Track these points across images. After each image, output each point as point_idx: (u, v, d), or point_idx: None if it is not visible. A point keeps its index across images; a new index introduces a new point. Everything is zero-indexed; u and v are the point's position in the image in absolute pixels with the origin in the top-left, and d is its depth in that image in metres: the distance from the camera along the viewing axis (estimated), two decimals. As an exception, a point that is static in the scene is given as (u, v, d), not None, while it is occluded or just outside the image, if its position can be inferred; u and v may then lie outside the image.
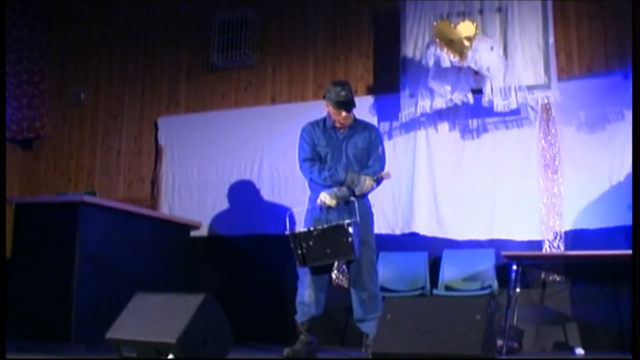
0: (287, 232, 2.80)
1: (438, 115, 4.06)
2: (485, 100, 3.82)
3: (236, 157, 4.50)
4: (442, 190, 4.01)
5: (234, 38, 4.49)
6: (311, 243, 2.72)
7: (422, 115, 3.99)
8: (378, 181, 3.02)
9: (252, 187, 4.43)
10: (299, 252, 2.74)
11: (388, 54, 4.27)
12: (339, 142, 3.01)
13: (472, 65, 3.75)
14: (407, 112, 3.97)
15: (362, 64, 4.38)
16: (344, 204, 2.93)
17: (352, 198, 2.85)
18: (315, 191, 3.00)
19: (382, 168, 3.06)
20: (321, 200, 2.89)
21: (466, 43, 3.71)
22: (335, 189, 2.93)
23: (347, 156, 2.99)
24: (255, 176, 4.43)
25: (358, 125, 3.05)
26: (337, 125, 3.01)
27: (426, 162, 4.06)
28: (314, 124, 3.06)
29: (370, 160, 3.05)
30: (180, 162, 4.65)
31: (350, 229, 2.73)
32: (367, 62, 4.35)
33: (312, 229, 2.80)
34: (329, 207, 2.91)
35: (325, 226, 2.79)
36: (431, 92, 3.90)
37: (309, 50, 4.53)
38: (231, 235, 4.40)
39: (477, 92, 3.84)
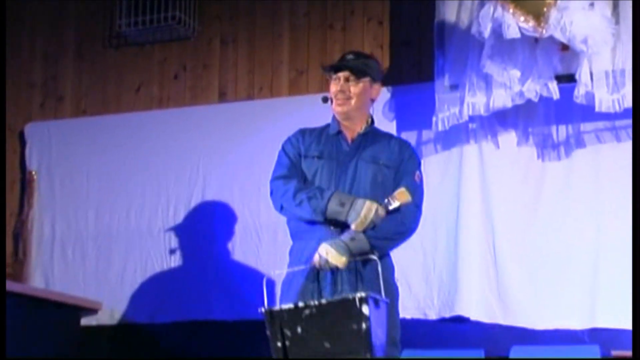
0: (262, 309, 2.67)
1: (499, 120, 3.89)
2: (580, 93, 3.58)
3: (161, 189, 4.39)
4: (506, 246, 3.86)
5: (156, -9, 4.49)
6: (299, 329, 2.64)
7: (471, 119, 3.82)
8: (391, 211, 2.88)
9: (190, 239, 4.32)
10: (279, 343, 2.63)
11: (414, 19, 4.18)
12: (343, 153, 2.97)
13: (558, 36, 3.51)
14: (446, 114, 3.81)
15: (372, 35, 4.26)
16: (354, 266, 2.84)
17: (373, 256, 2.77)
18: (301, 238, 2.93)
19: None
20: (320, 258, 2.79)
21: None
22: (346, 236, 2.81)
23: (356, 177, 2.93)
24: (193, 220, 4.31)
25: (379, 135, 3.04)
26: (340, 118, 2.96)
27: (479, 197, 3.90)
28: (307, 131, 3.06)
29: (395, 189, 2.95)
30: (65, 199, 4.54)
31: (366, 309, 2.51)
32: (379, 31, 4.24)
33: (301, 304, 2.65)
34: (333, 269, 2.82)
35: (323, 301, 2.65)
36: (487, 82, 3.72)
37: (283, 13, 4.40)
38: (154, 323, 4.27)
39: (566, 80, 3.65)
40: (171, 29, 4.44)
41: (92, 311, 4.25)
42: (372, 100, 3.03)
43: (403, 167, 2.97)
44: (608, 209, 3.75)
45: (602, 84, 3.55)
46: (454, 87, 3.79)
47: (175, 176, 4.33)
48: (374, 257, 2.76)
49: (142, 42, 4.55)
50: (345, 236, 2.82)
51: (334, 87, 2.95)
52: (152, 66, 4.56)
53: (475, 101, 3.71)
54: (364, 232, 2.82)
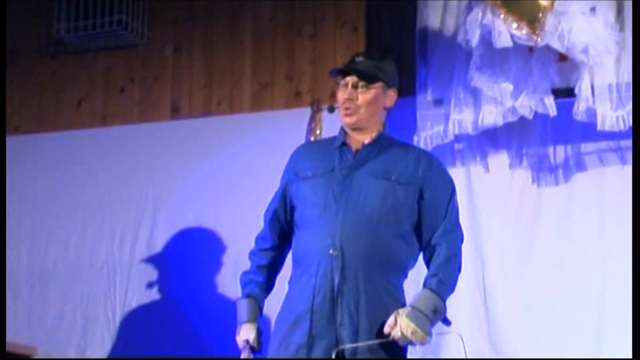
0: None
1: (489, 140, 3.83)
2: (580, 109, 3.51)
3: (105, 218, 4.33)
4: (498, 282, 3.77)
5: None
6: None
7: (458, 139, 3.76)
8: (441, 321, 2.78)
9: (138, 275, 4.22)
10: None
11: (393, 25, 4.13)
12: (345, 167, 2.85)
13: (555, 44, 3.46)
14: (429, 133, 3.74)
15: (346, 43, 4.21)
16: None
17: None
18: (299, 264, 2.82)
19: (459, 256, 2.89)
20: (402, 336, 2.66)
21: (542, 1, 3.49)
22: (425, 304, 2.70)
23: (361, 195, 2.78)
24: (142, 253, 4.24)
25: (392, 143, 2.92)
26: (348, 129, 2.88)
27: (467, 227, 3.50)
28: (307, 146, 3.12)
29: (428, 225, 2.83)
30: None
31: None
32: (354, 38, 4.19)
33: None
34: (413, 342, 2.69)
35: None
36: (475, 96, 3.67)
37: (245, 18, 4.35)
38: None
39: (565, 94, 3.60)
40: (117, 35, 4.36)
41: (25, 358, 3.99)
42: (387, 109, 2.92)
43: (429, 184, 2.81)
44: (614, 239, 3.65)
45: (605, 98, 3.48)
46: (438, 102, 3.74)
47: (121, 203, 4.27)
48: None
49: (83, 50, 4.48)
50: (425, 305, 2.67)
51: (341, 95, 2.85)
52: (95, 78, 4.50)
53: (462, 118, 3.65)
54: (435, 290, 2.71)
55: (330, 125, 3.46)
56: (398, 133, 3.65)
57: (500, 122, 3.59)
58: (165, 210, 4.22)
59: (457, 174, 3.69)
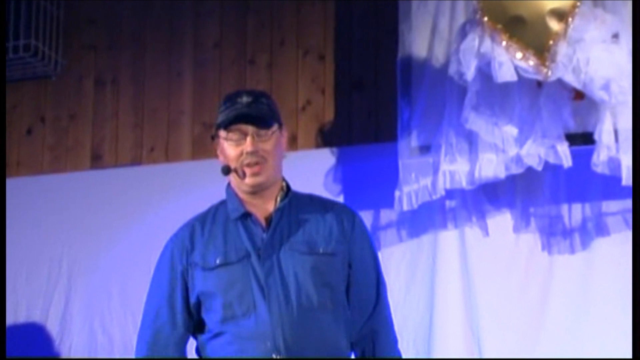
0: None
1: (488, 197, 3.82)
2: (600, 160, 3.46)
3: (9, 290, 4.31)
4: None
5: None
6: None
7: (449, 195, 3.73)
8: None
9: None
10: None
11: (369, 53, 4.15)
12: (260, 247, 2.88)
13: (569, 79, 3.40)
14: (413, 187, 3.73)
15: (310, 74, 4.24)
16: None
17: None
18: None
19: (388, 315, 2.98)
20: None
21: (552, 25, 3.44)
22: None
23: (288, 278, 2.84)
24: (52, 334, 4.24)
25: (302, 203, 2.98)
26: (246, 193, 2.91)
27: (461, 305, 3.80)
28: (194, 224, 3.01)
29: (357, 303, 2.90)
30: None
31: None
32: (320, 69, 4.22)
33: None
34: None
35: None
36: (471, 142, 3.64)
37: (184, 43, 4.37)
38: None
39: (581, 141, 3.56)
40: (24, 64, 4.32)
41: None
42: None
43: (355, 250, 2.87)
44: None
45: (630, 146, 3.39)
46: (425, 149, 3.70)
47: (27, 272, 4.24)
48: None
49: (-20, 81, 4.27)
50: None
51: (236, 149, 2.80)
52: (-6, 115, 4.30)
53: (455, 169, 3.60)
54: None
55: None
56: (375, 187, 3.90)
57: (502, 175, 3.53)
58: (83, 282, 4.17)
59: (448, 238, 3.77)
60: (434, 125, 3.66)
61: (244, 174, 2.78)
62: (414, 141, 3.70)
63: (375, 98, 4.00)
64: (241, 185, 2.81)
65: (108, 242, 4.14)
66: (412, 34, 3.77)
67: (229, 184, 2.89)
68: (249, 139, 2.78)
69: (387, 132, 3.83)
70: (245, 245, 2.81)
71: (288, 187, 2.93)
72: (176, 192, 3.98)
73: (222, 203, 2.92)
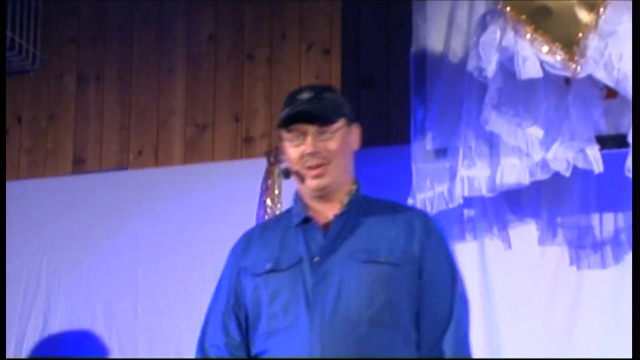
0: None
1: (510, 205, 3.82)
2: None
3: None
4: None
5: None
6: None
7: (467, 203, 3.75)
8: None
9: None
10: None
11: (379, 47, 4.16)
12: (315, 254, 2.80)
13: (601, 75, 3.41)
14: (428, 194, 3.75)
15: (314, 70, 4.26)
16: None
17: None
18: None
19: (467, 342, 2.85)
20: None
21: (582, 16, 3.46)
22: None
23: (342, 290, 2.76)
24: (33, 352, 4.24)
25: (370, 206, 2.90)
26: (311, 197, 2.85)
27: (481, 321, 3.73)
28: (263, 224, 3.16)
29: (428, 319, 2.82)
30: None
31: None
32: (325, 65, 4.24)
33: None
34: None
35: None
36: (492, 145, 3.65)
37: (176, 36, 4.39)
38: None
39: (614, 144, 3.57)
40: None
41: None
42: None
43: (428, 261, 2.77)
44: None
45: None
46: (441, 152, 3.71)
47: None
48: None
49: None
50: None
51: (296, 150, 2.73)
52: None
53: (474, 175, 3.60)
54: None
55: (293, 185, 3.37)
56: (385, 194, 3.65)
57: (526, 181, 3.52)
58: (64, 295, 4.16)
59: (466, 250, 3.71)
60: (450, 126, 3.65)
61: (304, 177, 2.73)
62: (428, 144, 3.69)
63: (386, 97, 4.02)
64: (304, 189, 2.76)
65: (91, 255, 4.12)
66: (427, 26, 3.77)
67: (297, 195, 2.85)
68: (309, 138, 2.72)
69: (399, 134, 3.83)
70: (299, 252, 2.75)
71: (358, 188, 2.86)
72: (166, 200, 3.96)
73: (286, 212, 2.90)
